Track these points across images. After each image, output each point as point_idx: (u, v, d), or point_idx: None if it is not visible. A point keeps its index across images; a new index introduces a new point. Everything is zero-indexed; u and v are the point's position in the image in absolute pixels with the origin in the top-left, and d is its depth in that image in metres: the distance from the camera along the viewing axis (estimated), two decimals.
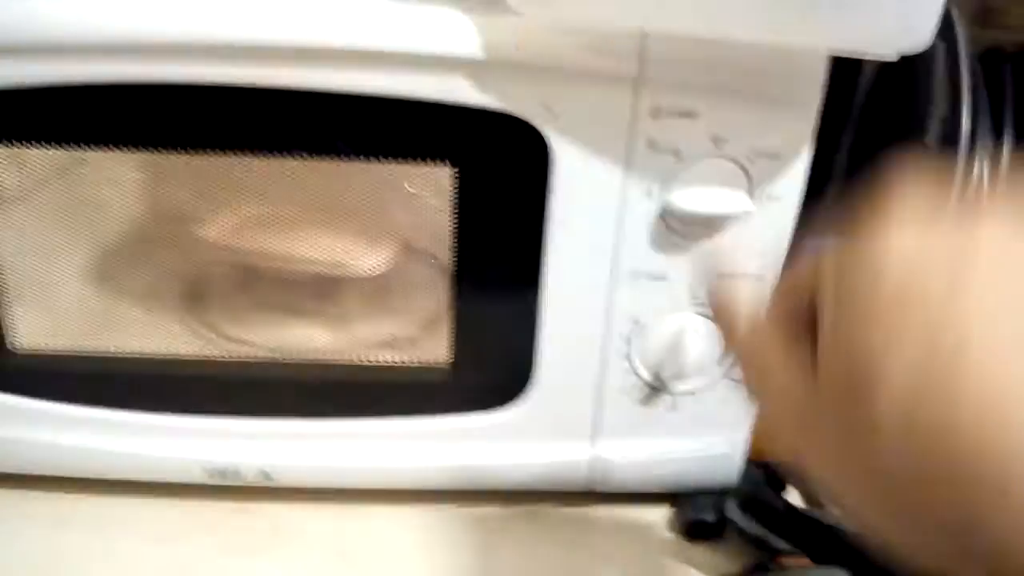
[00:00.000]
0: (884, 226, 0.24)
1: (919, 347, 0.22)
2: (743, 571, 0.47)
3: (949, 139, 0.51)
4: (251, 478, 0.48)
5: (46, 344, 0.46)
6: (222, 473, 0.48)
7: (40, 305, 0.46)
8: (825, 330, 0.25)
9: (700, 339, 0.45)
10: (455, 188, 0.42)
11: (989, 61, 0.51)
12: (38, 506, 0.48)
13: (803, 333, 0.27)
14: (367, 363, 0.47)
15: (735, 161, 0.41)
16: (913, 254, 0.23)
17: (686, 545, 0.50)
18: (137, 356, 0.47)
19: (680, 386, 0.46)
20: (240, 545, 0.47)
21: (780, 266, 0.44)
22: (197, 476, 0.48)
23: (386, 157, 0.41)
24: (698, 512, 0.50)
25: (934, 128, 0.53)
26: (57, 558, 0.46)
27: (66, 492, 0.49)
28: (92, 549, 0.46)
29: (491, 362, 0.46)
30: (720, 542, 0.50)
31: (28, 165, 0.43)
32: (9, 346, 0.46)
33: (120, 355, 0.47)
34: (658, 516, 0.52)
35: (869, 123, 0.60)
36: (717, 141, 0.40)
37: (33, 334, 0.46)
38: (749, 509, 0.48)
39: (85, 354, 0.47)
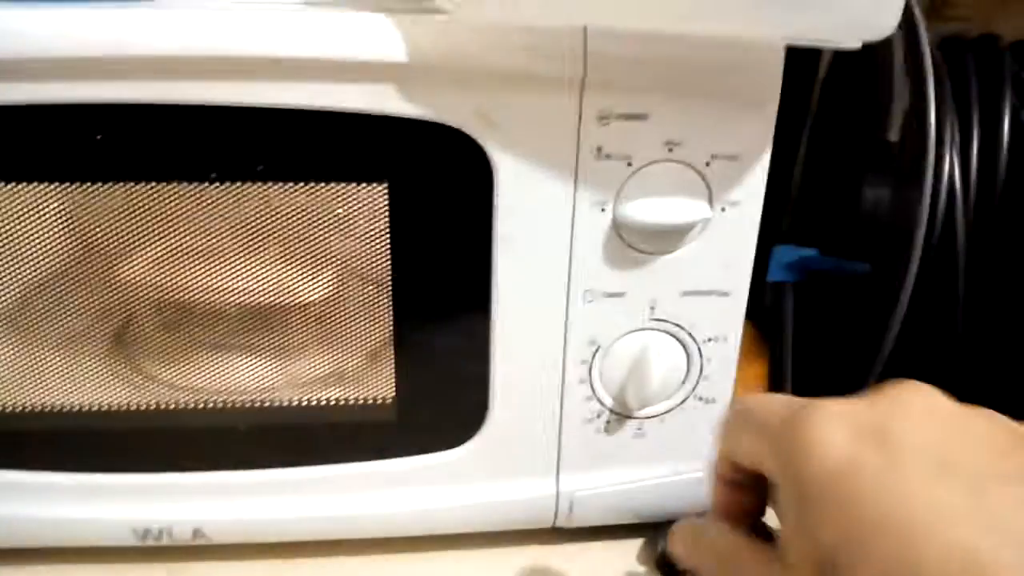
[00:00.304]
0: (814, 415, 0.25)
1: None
2: None
3: (912, 133, 0.49)
4: (185, 538, 0.44)
5: None
6: (153, 533, 0.43)
7: None
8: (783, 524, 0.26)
9: (663, 358, 0.41)
10: (389, 208, 0.38)
11: (949, 50, 0.49)
12: None
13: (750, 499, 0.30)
14: (307, 404, 0.43)
15: (691, 166, 0.38)
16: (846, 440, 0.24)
17: None
18: (57, 411, 0.43)
19: (646, 410, 0.43)
20: None
21: (746, 279, 0.41)
22: (126, 539, 0.44)
23: (313, 178, 0.37)
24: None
25: (896, 122, 0.50)
26: None
27: None
28: None
29: (440, 397, 0.43)
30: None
31: None
32: None
33: (37, 411, 0.42)
34: (631, 549, 0.48)
35: (825, 120, 0.58)
36: (671, 145, 0.37)
37: None
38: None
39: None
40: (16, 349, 0.44)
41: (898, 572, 0.21)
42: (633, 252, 0.39)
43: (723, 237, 0.40)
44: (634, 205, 0.38)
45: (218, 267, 0.43)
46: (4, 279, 0.41)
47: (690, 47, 0.36)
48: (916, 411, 0.25)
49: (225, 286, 0.43)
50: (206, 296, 0.44)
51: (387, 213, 0.38)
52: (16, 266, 0.41)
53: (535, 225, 0.38)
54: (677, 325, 0.41)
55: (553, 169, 0.37)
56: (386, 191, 0.38)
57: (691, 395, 0.43)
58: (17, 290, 0.42)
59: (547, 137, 0.37)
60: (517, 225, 0.38)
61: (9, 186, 0.37)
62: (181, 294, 0.44)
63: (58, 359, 0.44)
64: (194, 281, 0.43)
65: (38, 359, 0.44)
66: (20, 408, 0.43)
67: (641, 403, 0.42)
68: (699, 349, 0.42)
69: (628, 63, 0.36)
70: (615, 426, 0.43)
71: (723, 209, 0.39)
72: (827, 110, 0.56)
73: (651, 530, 0.48)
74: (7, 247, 0.40)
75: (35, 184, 0.38)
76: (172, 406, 0.43)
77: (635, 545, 0.48)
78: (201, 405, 0.43)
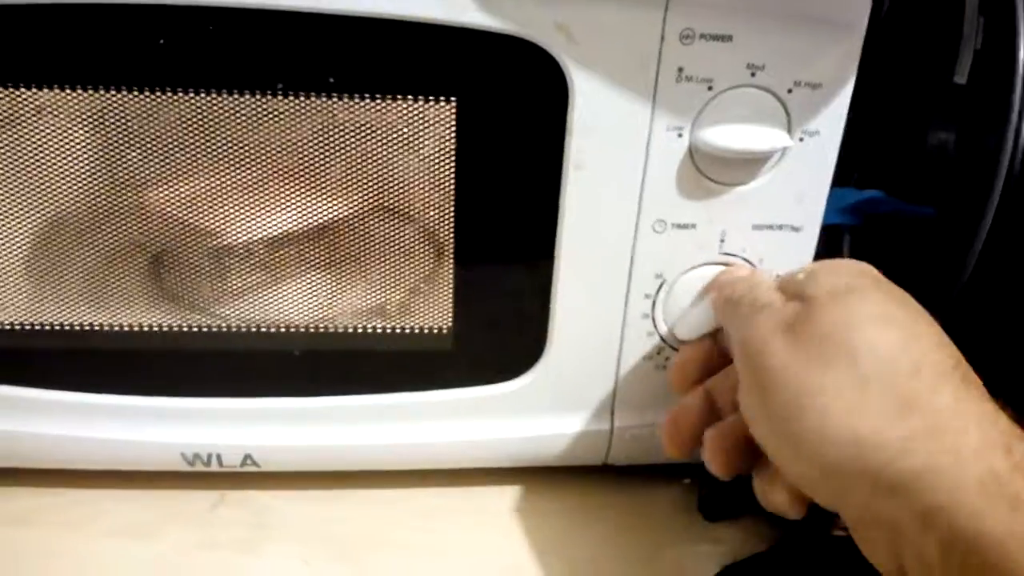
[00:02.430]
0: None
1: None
2: (772, 545, 0.44)
3: (983, 76, 0.47)
4: (235, 463, 0.43)
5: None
6: (203, 458, 0.43)
7: None
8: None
9: None
10: (456, 127, 0.37)
11: None
12: (5, 502, 0.43)
13: None
14: (362, 331, 0.42)
15: (772, 92, 0.37)
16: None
17: (705, 523, 0.46)
18: (101, 330, 0.42)
19: None
20: (223, 538, 0.42)
21: (819, 215, 0.40)
22: (174, 463, 0.43)
23: (382, 92, 0.36)
24: (717, 487, 0.46)
25: (965, 64, 0.49)
26: (18, 559, 0.41)
27: (25, 486, 0.44)
28: (56, 548, 0.41)
29: (498, 328, 0.42)
30: (741, 519, 0.46)
31: None
32: None
33: (82, 330, 0.41)
34: (677, 492, 0.47)
35: (885, 57, 0.56)
36: (753, 69, 0.36)
37: None
38: None
39: (41, 329, 0.41)
40: (57, 267, 0.43)
41: None
42: (707, 181, 0.38)
43: (799, 169, 0.38)
44: (712, 131, 0.37)
45: (275, 187, 0.41)
46: (60, 188, 0.40)
47: None
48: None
49: (281, 207, 0.42)
50: (261, 217, 0.42)
51: (454, 132, 0.37)
52: (71, 175, 0.40)
53: (608, 149, 0.37)
54: (746, 260, 0.40)
55: (631, 90, 0.36)
56: (455, 108, 0.36)
57: None
58: (68, 201, 0.41)
59: (627, 56, 0.35)
60: (590, 148, 0.37)
61: (63, 91, 0.36)
62: (235, 213, 0.42)
63: (107, 277, 0.43)
64: (249, 200, 0.42)
65: (87, 275, 0.43)
66: (62, 324, 0.42)
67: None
68: None
69: None
70: None
71: (801, 139, 0.38)
72: (888, 46, 0.54)
73: (695, 472, 0.47)
74: (61, 154, 0.39)
75: (93, 90, 0.36)
76: (225, 330, 0.42)
77: (680, 486, 0.47)
78: (255, 329, 0.42)
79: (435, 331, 0.42)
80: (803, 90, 0.37)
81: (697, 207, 0.39)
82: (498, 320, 0.42)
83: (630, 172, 0.37)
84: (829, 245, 0.51)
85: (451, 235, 0.39)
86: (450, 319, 0.42)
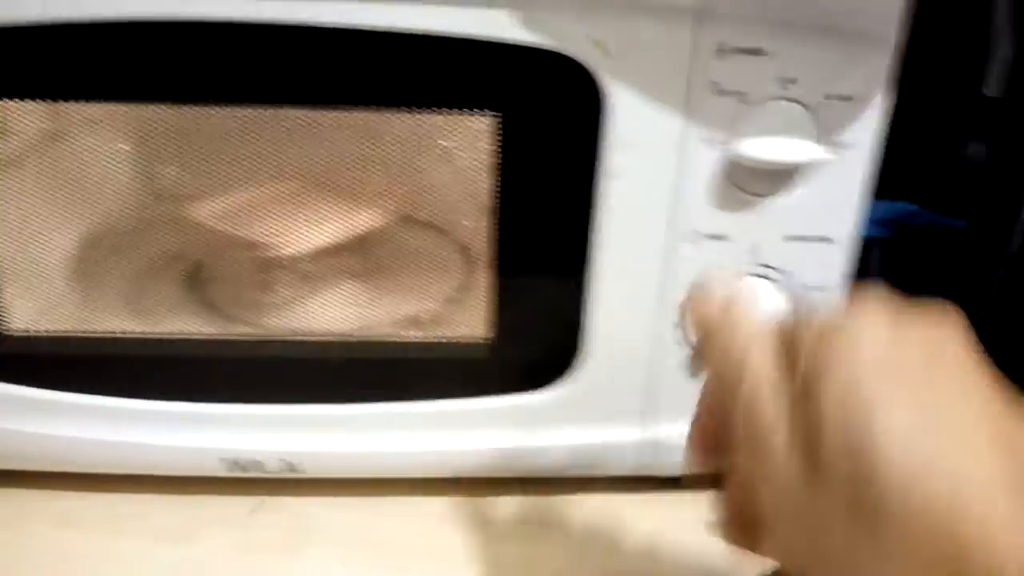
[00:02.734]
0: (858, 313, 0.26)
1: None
2: None
3: (1014, 88, 0.48)
4: (273, 469, 0.44)
5: (42, 326, 0.42)
6: (242, 465, 0.44)
7: (35, 283, 0.42)
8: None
9: (764, 305, 0.41)
10: (496, 140, 0.38)
11: None
12: (42, 505, 0.44)
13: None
14: (400, 339, 0.43)
15: (805, 105, 0.37)
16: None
17: None
18: (144, 337, 0.43)
19: None
20: (261, 543, 0.43)
21: (852, 227, 0.40)
22: (214, 468, 0.44)
23: (423, 106, 0.37)
24: None
25: (996, 76, 0.49)
26: (63, 560, 0.42)
27: (71, 490, 0.45)
28: (100, 550, 0.42)
29: (535, 337, 0.42)
30: None
31: (12, 124, 0.38)
32: (3, 329, 0.42)
33: (124, 337, 0.43)
34: (707, 500, 0.47)
35: (916, 67, 0.56)
36: (786, 82, 0.37)
37: (28, 315, 0.42)
38: None
39: (85, 336, 0.43)
40: (102, 277, 0.44)
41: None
42: (740, 193, 0.39)
43: (832, 181, 0.39)
44: (745, 143, 0.37)
45: (317, 199, 0.43)
46: (104, 200, 0.41)
47: None
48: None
49: (322, 218, 0.43)
50: (302, 228, 0.44)
51: (494, 144, 0.38)
52: (115, 187, 0.41)
53: (643, 160, 0.38)
54: (778, 271, 0.40)
55: (666, 103, 0.36)
56: (495, 121, 0.37)
57: None
58: (112, 212, 0.42)
59: (662, 69, 0.36)
60: (625, 160, 0.37)
61: (108, 106, 0.37)
62: (278, 224, 0.43)
63: (149, 286, 0.45)
64: (292, 212, 0.43)
65: (129, 284, 0.45)
66: (107, 332, 0.43)
67: None
68: (800, 297, 0.41)
69: None
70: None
71: (834, 152, 0.38)
72: (919, 59, 0.55)
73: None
74: (105, 167, 0.40)
75: (137, 104, 0.38)
76: (266, 338, 0.43)
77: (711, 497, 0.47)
78: (296, 337, 0.43)
79: (472, 340, 0.43)
80: (835, 103, 0.37)
81: (730, 218, 0.39)
82: (535, 330, 0.42)
83: (664, 183, 0.38)
84: (861, 257, 0.52)
85: (490, 246, 0.40)
86: (487, 328, 0.42)
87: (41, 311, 0.42)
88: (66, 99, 0.37)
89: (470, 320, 0.43)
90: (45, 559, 0.42)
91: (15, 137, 0.39)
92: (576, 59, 0.36)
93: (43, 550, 0.42)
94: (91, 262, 0.44)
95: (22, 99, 0.37)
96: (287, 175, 0.42)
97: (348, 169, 0.40)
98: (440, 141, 0.39)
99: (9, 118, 0.38)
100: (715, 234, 0.39)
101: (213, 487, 0.45)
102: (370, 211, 0.42)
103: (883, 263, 0.51)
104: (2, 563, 0.41)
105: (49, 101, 0.37)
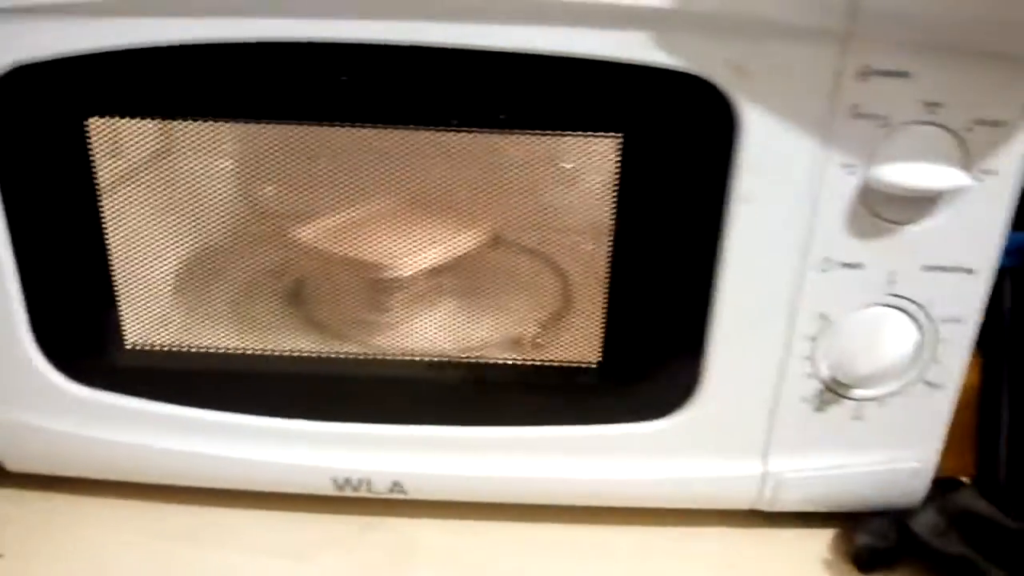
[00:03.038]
0: None
1: None
2: None
3: None
4: (382, 489, 0.44)
5: (156, 341, 0.43)
6: (353, 484, 0.43)
7: (148, 298, 0.42)
8: None
9: (896, 337, 0.39)
10: (620, 162, 0.37)
11: None
12: (157, 518, 0.45)
13: None
14: (508, 363, 0.42)
15: (950, 130, 0.35)
16: None
17: (859, 573, 0.44)
18: (252, 353, 0.43)
19: (866, 391, 0.41)
20: (371, 562, 0.43)
21: (994, 257, 0.38)
22: (324, 487, 0.44)
23: (552, 127, 0.36)
24: (873, 536, 0.44)
25: None
26: (182, 574, 0.42)
27: (185, 503, 0.45)
28: (211, 565, 0.43)
29: (649, 364, 0.41)
30: (896, 570, 0.44)
31: (124, 142, 0.39)
32: (121, 342, 0.42)
33: (233, 352, 0.43)
34: (825, 539, 0.46)
35: None
36: (931, 107, 0.35)
37: (143, 329, 0.43)
38: (957, 526, 0.42)
39: (196, 351, 0.43)
40: (213, 293, 0.45)
41: None
42: (877, 220, 0.37)
43: (975, 209, 0.37)
44: (886, 169, 0.36)
45: (431, 219, 0.43)
46: (215, 216, 0.41)
47: (962, 1, 0.33)
48: None
49: (436, 239, 0.43)
50: (411, 248, 0.43)
51: (618, 166, 0.37)
52: (228, 204, 0.42)
53: (777, 185, 0.36)
54: (914, 302, 0.39)
55: (803, 126, 0.35)
56: (620, 142, 0.36)
57: (918, 379, 0.40)
58: (224, 228, 0.43)
59: (801, 92, 0.35)
60: (758, 184, 0.36)
61: (223, 124, 0.38)
62: (386, 244, 0.43)
63: (257, 302, 0.45)
64: (401, 231, 0.43)
65: (237, 300, 0.45)
66: (219, 348, 0.43)
67: (865, 384, 0.40)
68: (935, 329, 0.39)
69: (896, 17, 0.34)
70: (832, 407, 0.41)
71: (979, 179, 0.36)
72: None
73: (847, 521, 0.45)
74: (217, 185, 0.40)
75: (258, 124, 0.38)
76: (378, 356, 0.43)
77: (829, 535, 0.46)
78: (406, 357, 0.43)
79: (583, 365, 0.42)
80: (983, 128, 0.35)
81: (866, 246, 0.38)
82: (649, 357, 0.41)
83: (798, 209, 0.37)
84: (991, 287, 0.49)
85: (606, 269, 0.39)
86: (599, 353, 0.41)
87: (154, 326, 0.43)
88: (176, 118, 0.38)
89: (580, 344, 0.42)
90: (165, 572, 0.42)
91: (127, 155, 0.39)
92: (710, 80, 0.35)
93: (153, 564, 0.43)
94: (199, 277, 0.44)
95: (134, 118, 0.38)
96: (401, 196, 0.42)
97: (472, 189, 0.40)
98: (562, 163, 0.38)
99: (122, 136, 0.39)
100: (849, 262, 0.38)
101: (322, 506, 0.45)
102: (489, 231, 0.42)
103: (1014, 293, 0.49)
104: (123, 574, 0.42)
105: (160, 120, 0.38)
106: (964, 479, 0.47)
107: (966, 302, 0.39)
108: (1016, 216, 0.50)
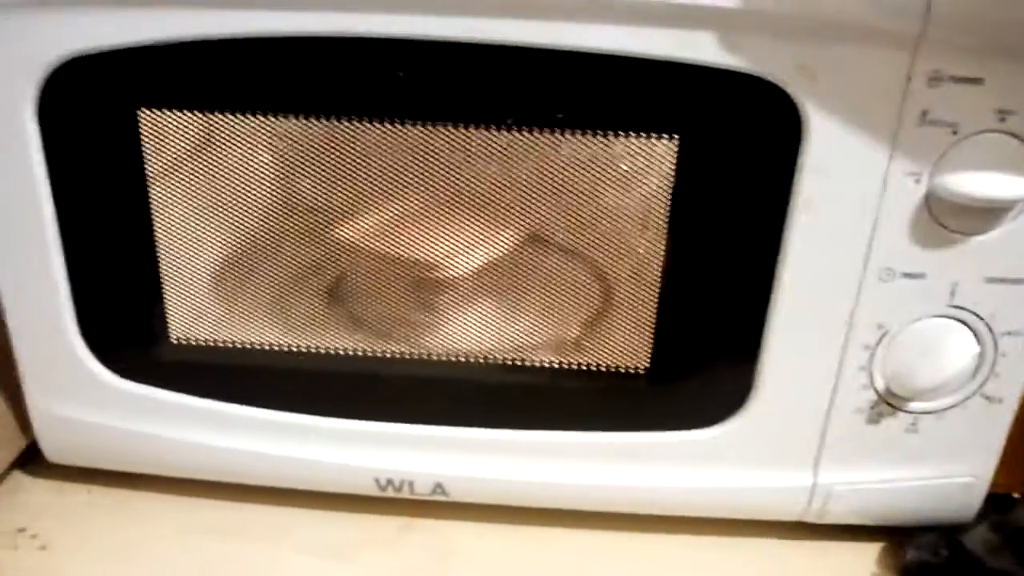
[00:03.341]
0: None
1: None
2: None
3: None
4: (424, 491, 0.43)
5: (201, 336, 0.42)
6: (395, 484, 0.43)
7: (192, 292, 0.42)
8: None
9: (957, 350, 0.38)
10: (676, 164, 0.36)
11: None
12: (201, 514, 0.45)
13: None
14: (557, 366, 0.42)
15: (1021, 138, 0.34)
16: None
17: None
18: (302, 351, 0.43)
19: (923, 404, 0.40)
20: (411, 562, 0.43)
21: None
22: (367, 487, 0.43)
23: (609, 127, 0.36)
24: (924, 551, 0.43)
25: None
26: (221, 568, 0.42)
27: (231, 499, 0.45)
28: (248, 561, 0.42)
29: (701, 371, 0.41)
30: None
31: (168, 134, 0.39)
32: (166, 336, 0.42)
33: (276, 349, 0.43)
34: (871, 553, 0.45)
35: None
36: (1003, 115, 0.34)
37: (187, 324, 0.42)
38: (1012, 543, 0.41)
39: (243, 347, 0.43)
40: (258, 283, 0.44)
41: None
42: (941, 230, 0.36)
43: None
44: (953, 177, 0.35)
45: (482, 219, 0.42)
46: (256, 210, 0.41)
47: None
48: None
49: (485, 238, 0.42)
50: (465, 248, 0.43)
51: (674, 168, 0.36)
52: (269, 199, 0.41)
53: (840, 191, 0.35)
54: (976, 315, 0.38)
55: (870, 132, 0.34)
56: (677, 144, 0.36)
57: (977, 392, 0.39)
58: (265, 222, 0.42)
59: (870, 96, 0.34)
60: (821, 190, 0.35)
61: (264, 118, 0.37)
62: (441, 243, 0.43)
63: (297, 299, 0.44)
64: (454, 231, 0.42)
65: (278, 296, 0.44)
66: (262, 345, 0.43)
67: (922, 396, 0.39)
68: (995, 343, 0.38)
69: (971, 21, 0.33)
70: (887, 419, 0.40)
71: None
72: None
73: (896, 535, 0.44)
74: (258, 179, 0.40)
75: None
76: (421, 356, 0.42)
77: (877, 549, 0.45)
78: (450, 358, 0.42)
79: (631, 370, 0.41)
80: None
81: (929, 256, 0.37)
82: (701, 364, 0.40)
83: (861, 216, 0.36)
84: None
85: (658, 274, 0.39)
86: (648, 360, 0.41)
87: (198, 320, 0.43)
88: (219, 111, 0.37)
89: (632, 350, 0.41)
90: (203, 567, 0.42)
91: (175, 147, 0.39)
92: (776, 83, 0.34)
93: (202, 558, 0.42)
94: (241, 272, 0.44)
95: (183, 110, 0.37)
96: (449, 195, 0.41)
97: (526, 189, 0.39)
98: (623, 164, 0.38)
99: (172, 128, 0.38)
100: (911, 272, 0.37)
101: (362, 505, 0.45)
102: (542, 232, 0.41)
103: None
104: (162, 568, 0.42)
105: (203, 113, 0.38)
106: (1016, 495, 0.46)
107: None
108: None
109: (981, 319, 0.38)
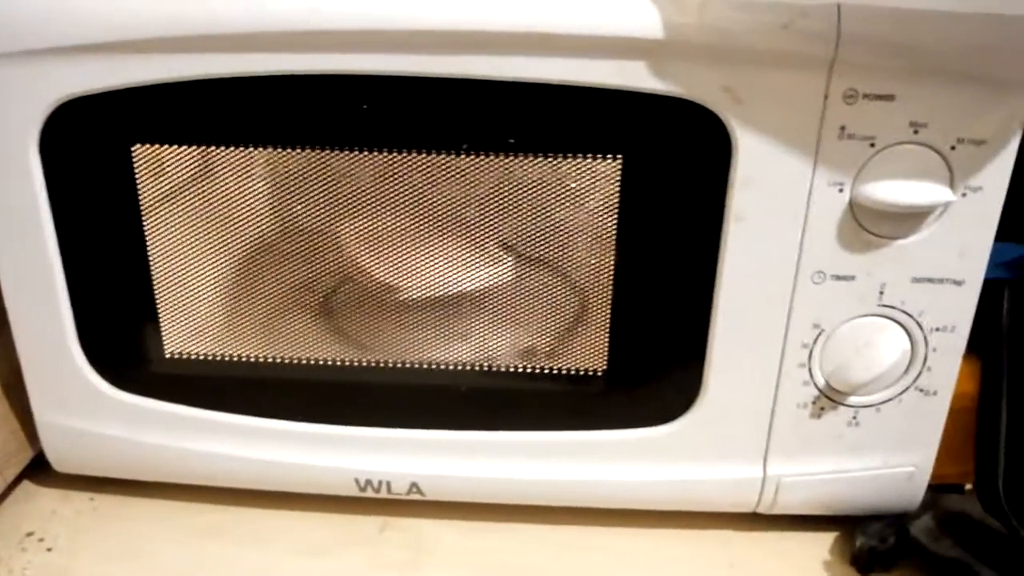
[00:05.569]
0: None
1: None
2: None
3: None
4: (401, 490, 0.46)
5: (193, 349, 0.46)
6: (373, 485, 0.46)
7: (186, 309, 0.46)
8: None
9: (888, 346, 0.41)
10: (620, 182, 0.39)
11: None
12: (186, 516, 0.48)
13: None
14: (521, 370, 0.45)
15: (935, 149, 0.37)
16: None
17: (855, 574, 0.46)
18: (286, 362, 0.46)
19: (861, 398, 0.43)
20: (390, 560, 0.45)
21: (981, 269, 0.40)
22: (347, 488, 0.46)
23: (556, 151, 0.39)
24: (872, 538, 0.45)
25: None
26: (205, 568, 0.45)
27: (213, 503, 0.48)
28: (241, 560, 0.45)
29: (652, 373, 0.44)
30: (894, 572, 0.46)
31: (166, 166, 0.42)
32: (161, 351, 0.45)
33: (268, 361, 0.46)
34: (824, 542, 0.47)
35: None
36: (916, 127, 0.37)
37: (181, 339, 0.46)
38: (951, 530, 0.43)
39: (233, 360, 0.46)
40: (248, 304, 0.47)
41: None
42: (867, 235, 0.39)
43: (961, 223, 0.39)
44: (873, 187, 0.38)
45: (446, 237, 0.45)
46: (249, 234, 0.44)
47: (943, 27, 0.35)
48: None
49: (450, 256, 0.45)
50: (433, 265, 0.46)
51: (619, 186, 0.39)
52: (261, 223, 0.44)
53: (770, 203, 0.38)
54: (905, 312, 0.41)
55: (794, 147, 0.37)
56: (620, 164, 0.39)
57: (912, 386, 0.42)
58: (257, 245, 0.46)
59: (791, 115, 0.37)
60: (751, 202, 0.39)
61: (256, 151, 0.41)
62: (407, 262, 0.46)
63: (287, 315, 0.48)
64: (423, 250, 0.45)
65: (270, 312, 0.47)
66: (253, 357, 0.46)
67: (860, 391, 0.42)
68: (925, 338, 0.41)
69: (880, 43, 0.36)
70: (829, 413, 0.43)
71: (964, 194, 0.38)
72: None
73: (847, 524, 0.47)
74: (251, 205, 0.43)
75: (300, 149, 0.41)
76: (397, 365, 0.45)
77: (829, 538, 0.47)
78: (425, 366, 0.45)
79: (589, 374, 0.44)
80: (966, 147, 0.37)
81: (857, 259, 0.39)
82: (653, 366, 0.43)
83: (790, 225, 0.39)
84: (988, 299, 0.51)
85: (610, 283, 0.42)
86: (605, 363, 0.44)
87: (192, 336, 0.46)
88: (212, 145, 0.41)
89: (589, 355, 0.44)
90: (187, 568, 0.45)
91: (168, 178, 0.42)
92: (705, 106, 0.37)
93: (186, 559, 0.45)
94: (233, 291, 0.47)
95: (174, 145, 0.41)
96: (419, 216, 0.44)
97: (483, 210, 0.42)
98: (571, 183, 0.41)
99: (163, 161, 0.42)
100: (841, 275, 0.40)
101: (343, 506, 0.47)
102: (500, 248, 0.44)
103: (1012, 306, 0.50)
104: (161, 568, 0.45)
105: (197, 146, 0.41)
106: (968, 486, 0.48)
107: (955, 312, 0.41)
108: (1013, 229, 0.52)
109: (911, 316, 0.41)
